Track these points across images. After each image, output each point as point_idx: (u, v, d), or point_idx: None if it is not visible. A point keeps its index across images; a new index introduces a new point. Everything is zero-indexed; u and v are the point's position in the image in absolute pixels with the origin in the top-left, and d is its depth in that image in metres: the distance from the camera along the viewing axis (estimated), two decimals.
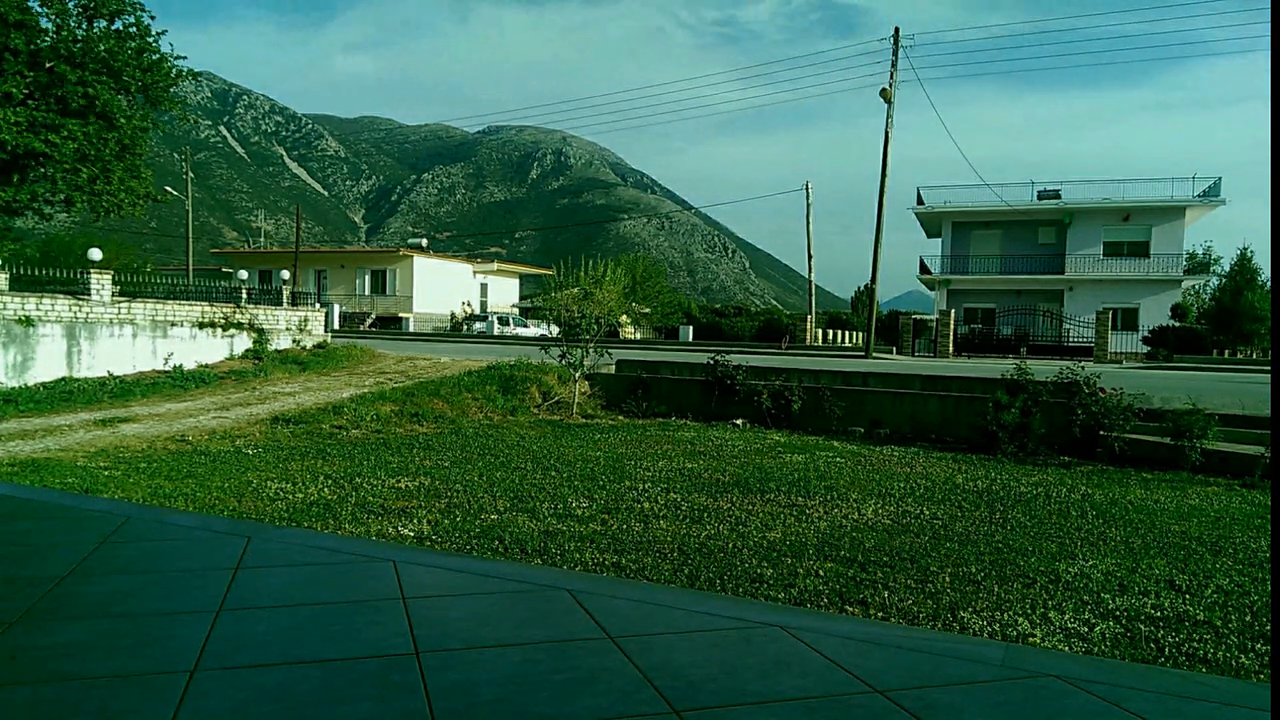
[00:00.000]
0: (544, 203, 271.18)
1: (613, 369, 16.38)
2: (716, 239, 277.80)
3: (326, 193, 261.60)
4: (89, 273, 16.99)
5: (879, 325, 33.47)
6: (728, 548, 6.09)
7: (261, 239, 79.55)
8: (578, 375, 15.09)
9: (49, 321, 15.82)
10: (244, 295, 20.67)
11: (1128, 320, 38.03)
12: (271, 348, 20.23)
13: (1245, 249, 37.28)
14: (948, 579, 5.45)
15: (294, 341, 21.21)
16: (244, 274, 22.64)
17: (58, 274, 17.28)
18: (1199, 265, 41.37)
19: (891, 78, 31.49)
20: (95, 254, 18.32)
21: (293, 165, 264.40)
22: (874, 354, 30.32)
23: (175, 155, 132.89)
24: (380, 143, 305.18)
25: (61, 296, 16.37)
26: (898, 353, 33.99)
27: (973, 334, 37.97)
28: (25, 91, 18.29)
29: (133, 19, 19.89)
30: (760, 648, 3.03)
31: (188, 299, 19.40)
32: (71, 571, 3.61)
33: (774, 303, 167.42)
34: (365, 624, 3.11)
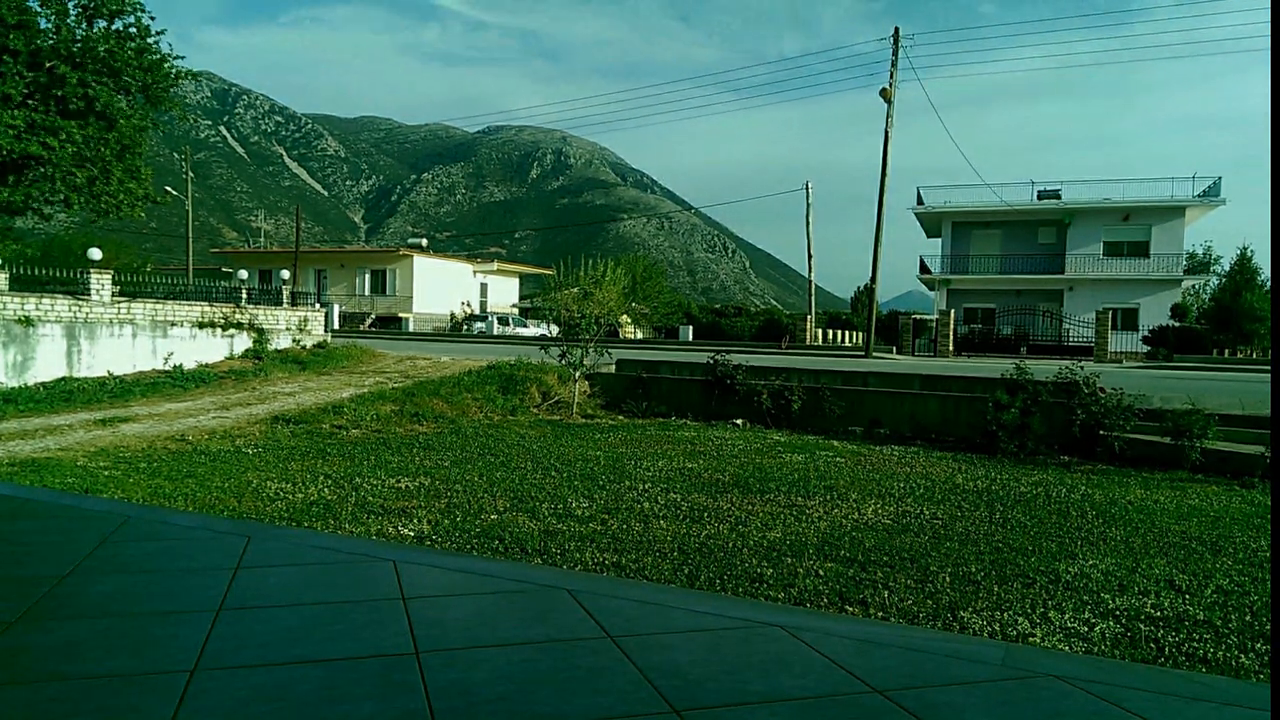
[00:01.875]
0: (544, 202, 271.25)
1: (613, 369, 16.37)
2: (716, 239, 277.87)
3: (326, 193, 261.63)
4: (89, 273, 16.99)
5: (879, 325, 33.47)
6: (728, 547, 6.09)
7: (261, 239, 79.54)
8: (578, 375, 15.09)
9: (49, 321, 15.82)
10: (244, 295, 20.66)
11: (1128, 320, 38.03)
12: (271, 347, 20.23)
13: (1245, 249, 37.28)
14: (948, 579, 5.45)
15: (294, 341, 21.21)
16: (244, 274, 22.64)
17: (58, 274, 17.27)
18: (1199, 265, 41.38)
19: (891, 78, 31.50)
20: (95, 254, 18.32)
21: (292, 165, 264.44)
22: (874, 354, 30.32)
23: (175, 155, 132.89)
24: (380, 143, 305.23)
25: (61, 296, 16.37)
26: (898, 352, 33.98)
27: (973, 334, 37.98)
28: (24, 92, 18.27)
29: (132, 19, 19.89)
30: (761, 647, 3.03)
31: (188, 299, 19.40)
32: (72, 571, 3.61)
33: (774, 302, 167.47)
34: (365, 623, 3.11)
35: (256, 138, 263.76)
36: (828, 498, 8.04)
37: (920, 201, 43.23)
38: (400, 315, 47.31)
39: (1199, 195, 39.47)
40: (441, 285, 49.72)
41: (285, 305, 21.77)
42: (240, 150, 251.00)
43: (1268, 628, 4.68)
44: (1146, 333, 35.98)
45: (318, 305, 24.40)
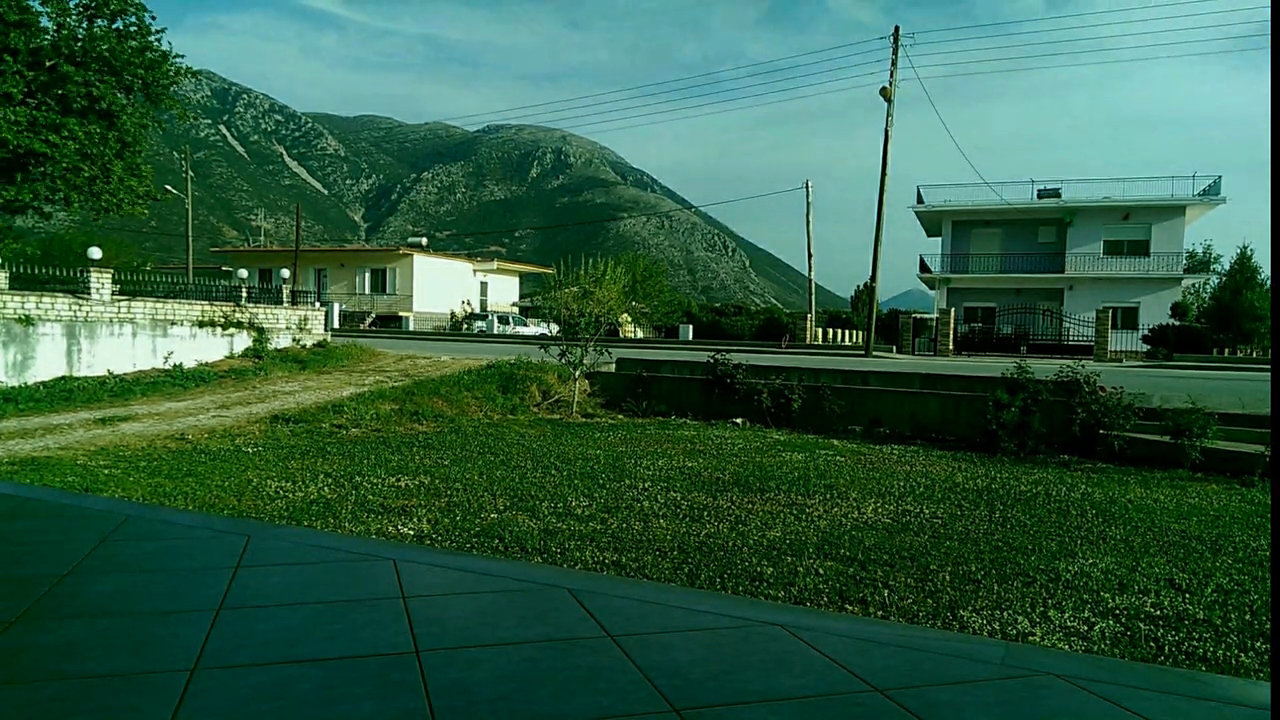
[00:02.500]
0: (544, 201, 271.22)
1: (613, 368, 16.37)
2: (716, 237, 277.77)
3: (326, 191, 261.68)
4: (89, 271, 16.98)
5: (879, 324, 33.46)
6: (728, 546, 6.09)
7: (261, 238, 79.52)
8: (577, 374, 15.08)
9: (49, 320, 15.81)
10: (244, 294, 20.66)
11: (1128, 319, 38.02)
12: (271, 346, 20.23)
13: (1245, 247, 37.27)
14: (948, 578, 5.45)
15: (294, 340, 21.21)
16: (244, 273, 22.63)
17: (58, 273, 17.26)
18: (1199, 264, 41.36)
19: (891, 77, 31.48)
20: (95, 253, 18.31)
21: (292, 164, 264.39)
22: (874, 353, 30.31)
23: (175, 154, 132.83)
24: (380, 141, 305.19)
25: (61, 295, 16.36)
26: (898, 351, 33.99)
27: (973, 332, 37.98)
28: (25, 91, 18.26)
29: (134, 18, 19.87)
30: (760, 646, 3.03)
31: (188, 298, 19.40)
32: (72, 570, 3.61)
33: (774, 301, 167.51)
34: (365, 623, 3.11)
35: (256, 136, 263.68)
36: (828, 496, 8.04)
37: (920, 200, 43.22)
38: (400, 314, 47.31)
39: (1199, 194, 39.46)
40: (441, 284, 49.71)
41: (285, 304, 21.77)
42: (240, 149, 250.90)
43: (1267, 627, 4.68)
44: (1146, 332, 35.97)
45: (318, 304, 24.40)
